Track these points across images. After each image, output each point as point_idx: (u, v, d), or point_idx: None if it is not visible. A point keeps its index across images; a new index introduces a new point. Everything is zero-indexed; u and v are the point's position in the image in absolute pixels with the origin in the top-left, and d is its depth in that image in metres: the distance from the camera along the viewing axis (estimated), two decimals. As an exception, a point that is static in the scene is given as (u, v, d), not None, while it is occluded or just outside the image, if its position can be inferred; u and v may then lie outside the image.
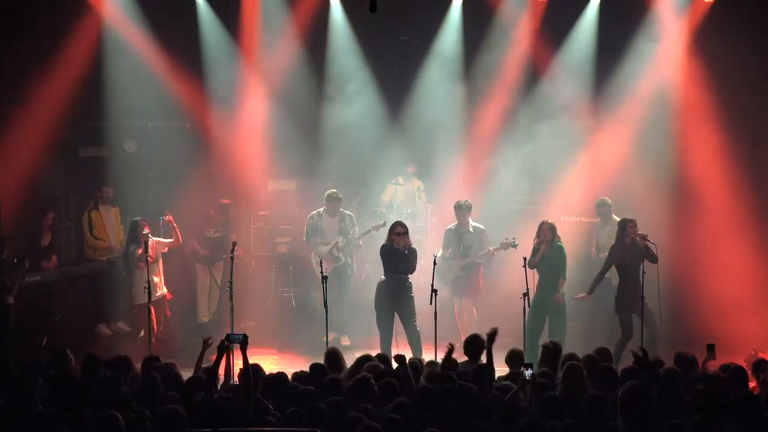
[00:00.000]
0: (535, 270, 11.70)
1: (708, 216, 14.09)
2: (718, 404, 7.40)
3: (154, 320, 11.85)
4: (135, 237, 12.25)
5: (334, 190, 13.55)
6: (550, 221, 11.99)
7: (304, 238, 13.68)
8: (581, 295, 12.01)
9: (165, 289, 12.52)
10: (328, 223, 13.52)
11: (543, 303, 11.65)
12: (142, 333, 11.97)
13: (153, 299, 11.68)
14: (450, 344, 8.98)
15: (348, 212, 13.74)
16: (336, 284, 13.27)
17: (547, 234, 11.78)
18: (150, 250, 11.98)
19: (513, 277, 11.92)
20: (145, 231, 12.10)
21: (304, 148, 14.92)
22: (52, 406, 7.35)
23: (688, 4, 14.39)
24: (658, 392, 7.69)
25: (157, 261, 12.26)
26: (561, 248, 11.86)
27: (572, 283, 12.23)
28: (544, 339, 11.49)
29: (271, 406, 7.58)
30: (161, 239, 12.62)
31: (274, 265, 14.71)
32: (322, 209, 13.59)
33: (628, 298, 11.56)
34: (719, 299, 13.56)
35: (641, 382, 7.50)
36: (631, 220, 11.81)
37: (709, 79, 14.18)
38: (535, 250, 11.83)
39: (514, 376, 8.60)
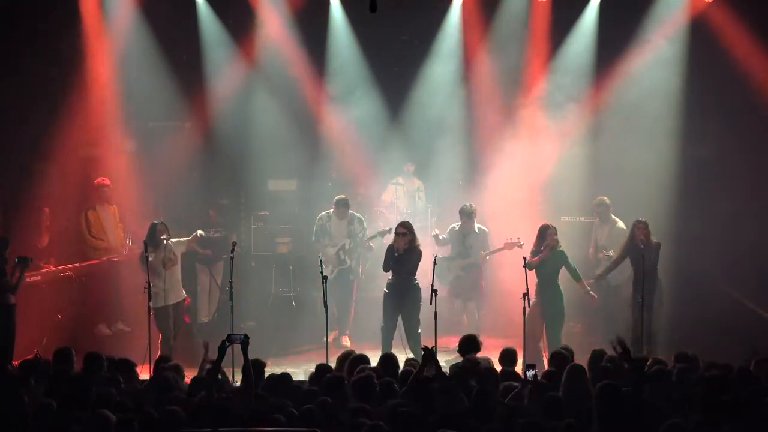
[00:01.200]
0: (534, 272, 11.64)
1: (708, 215, 14.09)
2: (719, 404, 7.41)
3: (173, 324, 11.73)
4: (154, 241, 11.71)
5: (343, 196, 13.40)
6: (553, 225, 11.91)
7: (313, 238, 13.59)
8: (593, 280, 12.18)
9: (183, 293, 12.09)
10: (337, 225, 13.40)
11: (541, 307, 11.57)
12: (161, 338, 11.78)
13: (174, 302, 11.64)
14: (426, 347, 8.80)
15: (358, 215, 13.58)
16: (339, 286, 13.25)
17: (553, 238, 11.69)
18: (171, 254, 11.72)
19: (513, 278, 11.91)
20: (163, 236, 11.67)
21: (304, 148, 14.93)
22: (51, 406, 7.34)
23: (688, 3, 14.40)
24: (640, 389, 7.68)
25: (176, 264, 11.85)
26: (563, 253, 11.73)
27: (571, 284, 12.20)
28: (542, 342, 11.57)
29: (290, 404, 7.56)
30: (180, 239, 12.14)
31: (274, 265, 14.70)
32: (331, 210, 13.44)
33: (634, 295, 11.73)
34: (719, 299, 13.58)
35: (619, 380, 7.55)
36: (640, 222, 11.84)
37: (709, 77, 14.20)
38: (534, 252, 11.73)
39: (506, 375, 8.59)
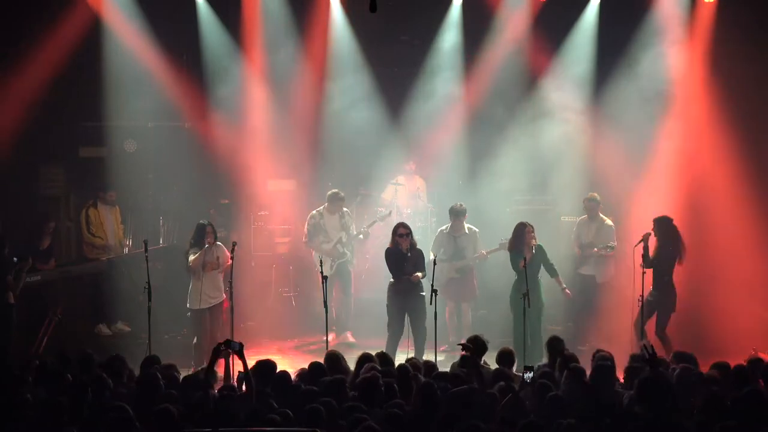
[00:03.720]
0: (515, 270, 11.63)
1: (708, 214, 14.08)
2: (719, 404, 7.41)
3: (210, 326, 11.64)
4: (200, 242, 11.60)
5: (336, 190, 13.49)
6: (530, 224, 11.90)
7: (305, 240, 13.58)
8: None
9: (223, 296, 11.80)
10: (330, 220, 13.49)
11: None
12: (195, 339, 11.69)
13: (209, 306, 11.55)
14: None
15: (345, 209, 13.67)
16: (340, 280, 13.34)
17: (531, 236, 11.73)
18: (212, 257, 11.60)
19: (508, 278, 11.93)
20: (208, 239, 11.52)
21: (304, 148, 14.94)
22: (53, 406, 7.35)
23: (689, 4, 14.39)
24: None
25: (220, 269, 11.68)
26: (542, 248, 11.79)
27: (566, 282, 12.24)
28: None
29: (275, 404, 7.60)
30: (226, 253, 11.70)
31: (274, 265, 14.71)
32: (321, 208, 13.54)
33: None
34: (719, 298, 13.56)
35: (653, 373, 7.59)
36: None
37: (710, 77, 14.19)
38: (513, 251, 11.72)
39: (504, 375, 8.58)
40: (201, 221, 11.80)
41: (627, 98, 14.30)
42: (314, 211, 13.58)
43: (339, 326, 13.30)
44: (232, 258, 11.38)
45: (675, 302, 11.84)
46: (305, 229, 13.54)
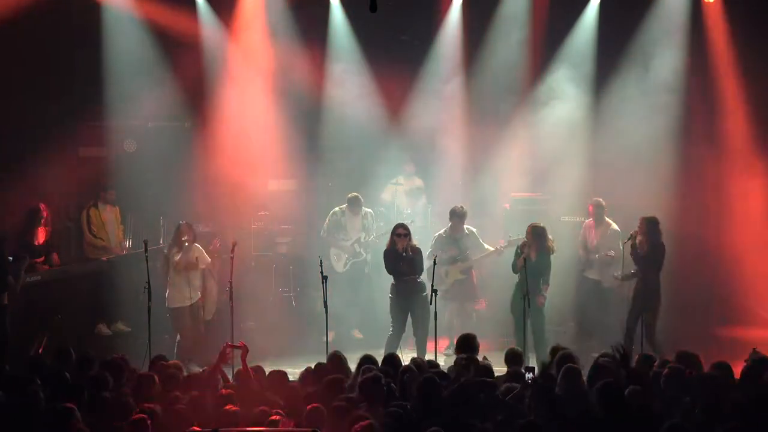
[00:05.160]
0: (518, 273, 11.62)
1: (708, 213, 14.10)
2: (720, 405, 7.42)
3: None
4: (177, 242, 11.86)
5: (356, 194, 13.66)
6: (539, 224, 11.88)
7: (322, 233, 13.72)
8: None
9: (198, 294, 12.07)
10: (351, 220, 13.65)
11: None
12: (179, 337, 11.81)
13: (190, 304, 11.70)
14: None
15: (369, 210, 13.85)
16: (353, 279, 13.50)
17: (528, 237, 11.73)
18: (191, 257, 11.73)
19: (506, 278, 11.93)
20: (185, 237, 11.79)
21: (304, 148, 14.94)
22: (56, 406, 7.36)
23: (687, 3, 14.41)
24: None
25: (197, 267, 11.90)
26: (545, 255, 11.75)
27: (563, 284, 12.22)
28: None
29: (282, 402, 7.62)
30: (205, 255, 12.10)
31: (274, 265, 14.71)
32: (344, 206, 13.68)
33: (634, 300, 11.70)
34: (719, 298, 13.58)
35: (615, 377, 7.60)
36: (642, 221, 11.79)
37: (709, 76, 14.21)
38: (518, 253, 11.74)
39: (514, 375, 8.59)
40: (179, 222, 11.97)
41: (629, 95, 14.33)
42: (337, 208, 13.75)
43: (345, 324, 13.31)
44: (232, 256, 11.36)
45: (659, 304, 11.79)
46: (325, 224, 13.72)
